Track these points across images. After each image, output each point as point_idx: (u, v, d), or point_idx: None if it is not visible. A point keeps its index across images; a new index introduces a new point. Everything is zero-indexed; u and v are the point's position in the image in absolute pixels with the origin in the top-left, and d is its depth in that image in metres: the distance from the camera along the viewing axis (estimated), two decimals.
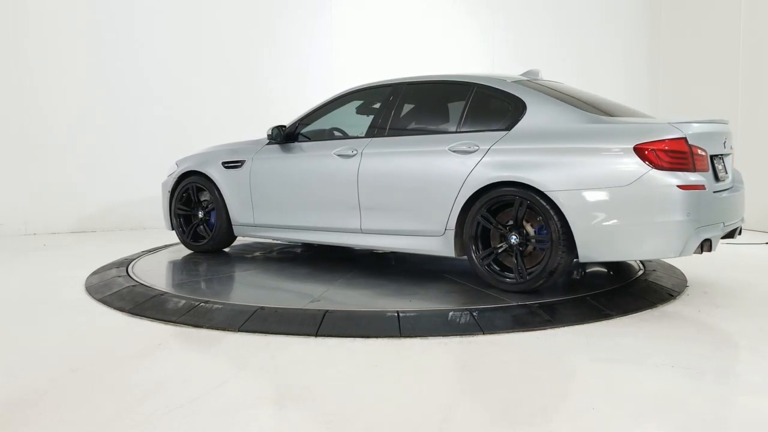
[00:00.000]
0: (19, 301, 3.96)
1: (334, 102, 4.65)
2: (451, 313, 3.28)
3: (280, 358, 2.80)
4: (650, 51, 8.86)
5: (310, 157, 4.48)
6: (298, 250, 5.39)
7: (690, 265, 4.81)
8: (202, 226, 5.09)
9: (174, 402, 2.30)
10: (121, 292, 3.90)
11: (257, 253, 5.25)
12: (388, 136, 4.22)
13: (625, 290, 3.85)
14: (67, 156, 7.04)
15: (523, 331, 3.16)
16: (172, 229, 5.19)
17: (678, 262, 4.84)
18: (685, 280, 4.33)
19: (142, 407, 2.25)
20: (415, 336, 3.07)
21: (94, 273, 4.56)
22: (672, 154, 3.38)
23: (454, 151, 3.86)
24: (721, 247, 5.90)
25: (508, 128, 3.78)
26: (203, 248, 5.06)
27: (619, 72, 8.80)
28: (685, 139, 3.40)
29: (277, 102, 7.56)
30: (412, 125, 4.38)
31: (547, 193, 3.49)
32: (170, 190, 5.16)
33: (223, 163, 4.86)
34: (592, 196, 3.43)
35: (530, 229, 3.69)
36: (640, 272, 4.35)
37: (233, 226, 4.89)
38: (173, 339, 3.09)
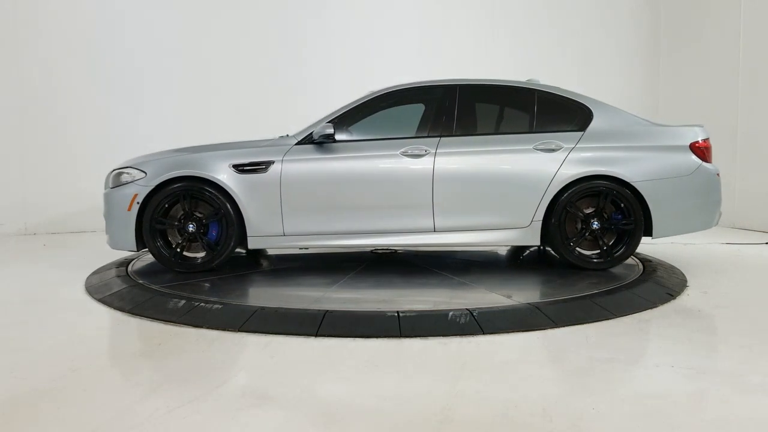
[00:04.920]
0: (19, 301, 3.95)
1: (370, 102, 4.48)
2: (451, 313, 3.28)
3: (280, 358, 2.80)
4: (650, 54, 8.85)
5: (370, 158, 4.27)
6: (298, 254, 5.39)
7: (690, 265, 4.82)
8: (178, 242, 4.37)
9: (174, 402, 2.30)
10: (121, 292, 3.90)
11: (254, 254, 5.25)
12: (456, 135, 4.34)
13: (625, 290, 3.85)
14: (67, 156, 7.05)
15: (523, 331, 3.16)
16: (139, 249, 4.36)
17: (678, 263, 4.84)
18: (685, 280, 4.33)
19: (142, 407, 2.25)
20: (415, 336, 3.07)
21: (94, 273, 4.57)
22: (707, 150, 4.41)
23: (539, 150, 4.26)
24: (721, 247, 5.91)
25: (581, 129, 4.37)
26: (205, 267, 4.35)
27: (618, 74, 8.79)
28: (708, 138, 4.44)
29: (276, 102, 7.57)
30: (483, 126, 4.53)
31: (633, 183, 4.22)
32: (140, 201, 4.26)
33: (236, 166, 4.25)
34: (666, 184, 4.27)
35: (605, 216, 4.31)
36: (640, 272, 4.35)
37: (250, 238, 4.28)
38: (173, 339, 3.09)
